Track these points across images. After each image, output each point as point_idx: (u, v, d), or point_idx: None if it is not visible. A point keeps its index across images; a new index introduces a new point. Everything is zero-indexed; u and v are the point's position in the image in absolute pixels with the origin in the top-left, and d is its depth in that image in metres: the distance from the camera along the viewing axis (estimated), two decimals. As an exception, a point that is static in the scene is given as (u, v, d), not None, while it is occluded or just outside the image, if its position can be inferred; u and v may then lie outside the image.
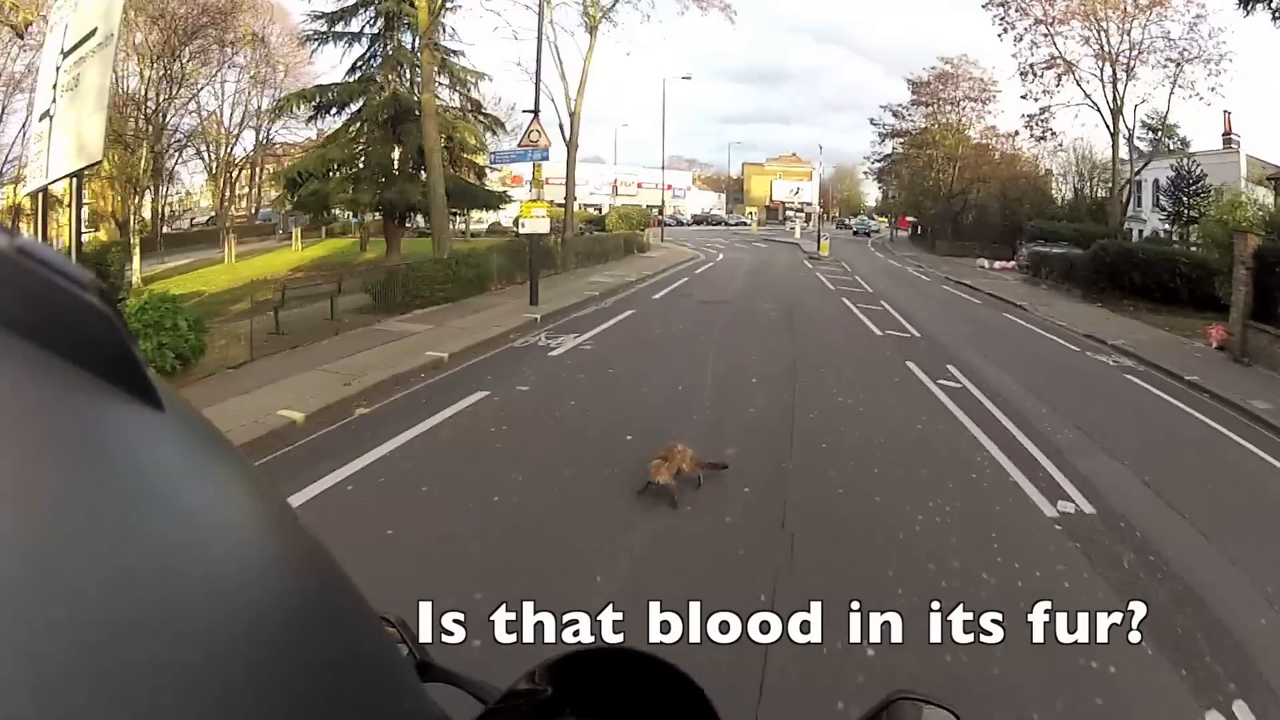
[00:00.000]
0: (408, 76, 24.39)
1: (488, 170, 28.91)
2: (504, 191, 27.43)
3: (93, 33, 10.14)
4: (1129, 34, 33.64)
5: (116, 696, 0.25)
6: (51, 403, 0.32)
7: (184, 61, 26.12)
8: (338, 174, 24.45)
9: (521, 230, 17.94)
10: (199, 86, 27.83)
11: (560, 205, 27.40)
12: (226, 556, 0.34)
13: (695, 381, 10.43)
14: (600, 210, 54.74)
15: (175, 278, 25.02)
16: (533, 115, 17.84)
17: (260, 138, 33.53)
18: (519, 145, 18.80)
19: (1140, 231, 34.57)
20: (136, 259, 24.60)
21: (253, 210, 38.15)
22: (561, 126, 26.83)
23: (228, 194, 33.91)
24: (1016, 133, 42.39)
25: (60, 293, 0.33)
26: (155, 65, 25.03)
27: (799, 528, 5.81)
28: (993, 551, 5.52)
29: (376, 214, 26.87)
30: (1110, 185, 36.77)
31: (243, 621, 0.32)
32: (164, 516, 0.32)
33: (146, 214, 30.29)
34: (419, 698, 0.52)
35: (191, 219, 36.16)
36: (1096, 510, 6.51)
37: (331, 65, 26.18)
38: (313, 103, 25.92)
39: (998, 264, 32.83)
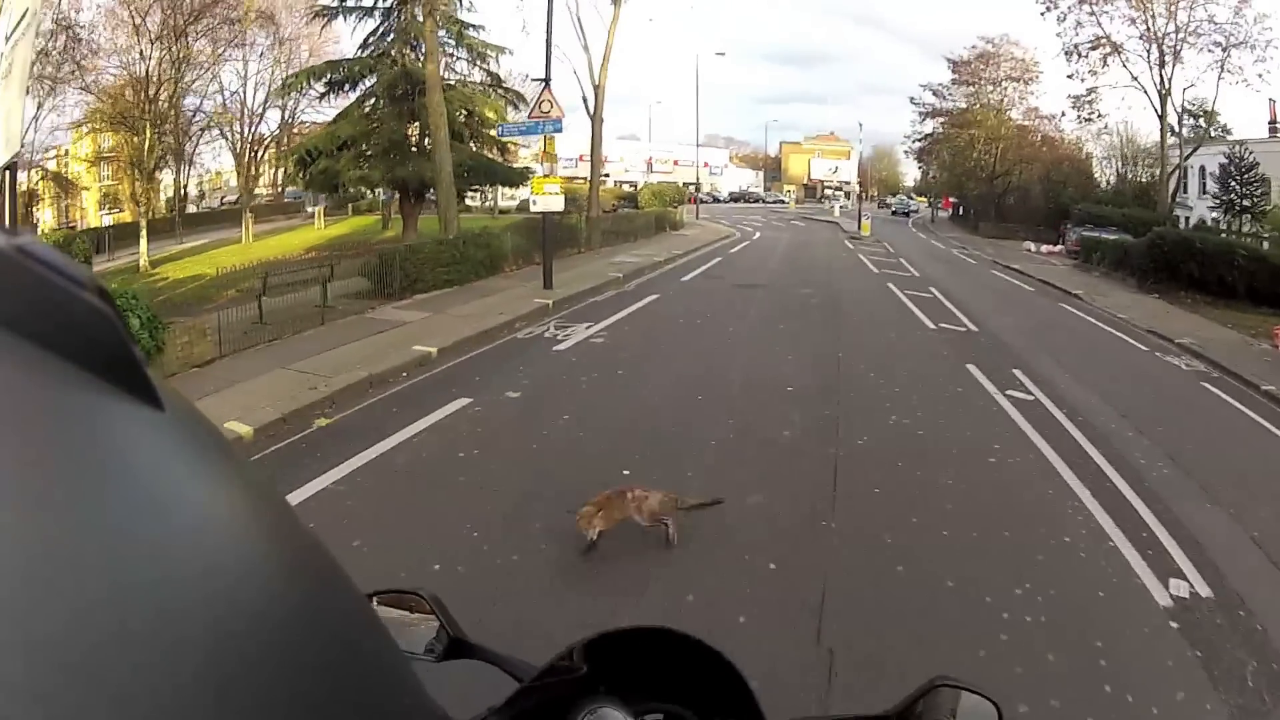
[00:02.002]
0: (422, 50, 23.02)
1: (519, 147, 27.76)
2: (526, 168, 26.03)
3: (25, 15, 9.24)
4: (1174, 16, 33.16)
5: (116, 697, 0.26)
6: (51, 403, 0.32)
7: (189, 41, 25.15)
8: (349, 151, 23.20)
9: (533, 208, 16.46)
10: (208, 67, 26.93)
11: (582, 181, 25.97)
12: (226, 556, 0.34)
13: (719, 390, 8.84)
14: (635, 187, 54.17)
15: (187, 259, 24.47)
16: (543, 84, 16.28)
17: (285, 117, 32.66)
18: (529, 116, 17.31)
19: (1186, 219, 33.76)
20: (144, 242, 24.29)
21: (279, 189, 37.91)
22: (585, 100, 25.38)
23: (252, 173, 33.08)
24: (1063, 114, 43.01)
25: (60, 293, 0.33)
26: (156, 45, 24.05)
27: (841, 639, 4.08)
28: (1100, 675, 3.89)
29: (394, 192, 25.87)
30: (1157, 170, 36.33)
31: (242, 622, 0.32)
32: (163, 516, 0.33)
33: (170, 194, 30.16)
34: (419, 696, 0.51)
35: (221, 198, 36.17)
36: (1212, 592, 4.86)
37: (356, 43, 24.80)
38: (324, 79, 24.77)
39: (1045, 248, 32.08)
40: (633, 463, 6.39)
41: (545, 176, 16.35)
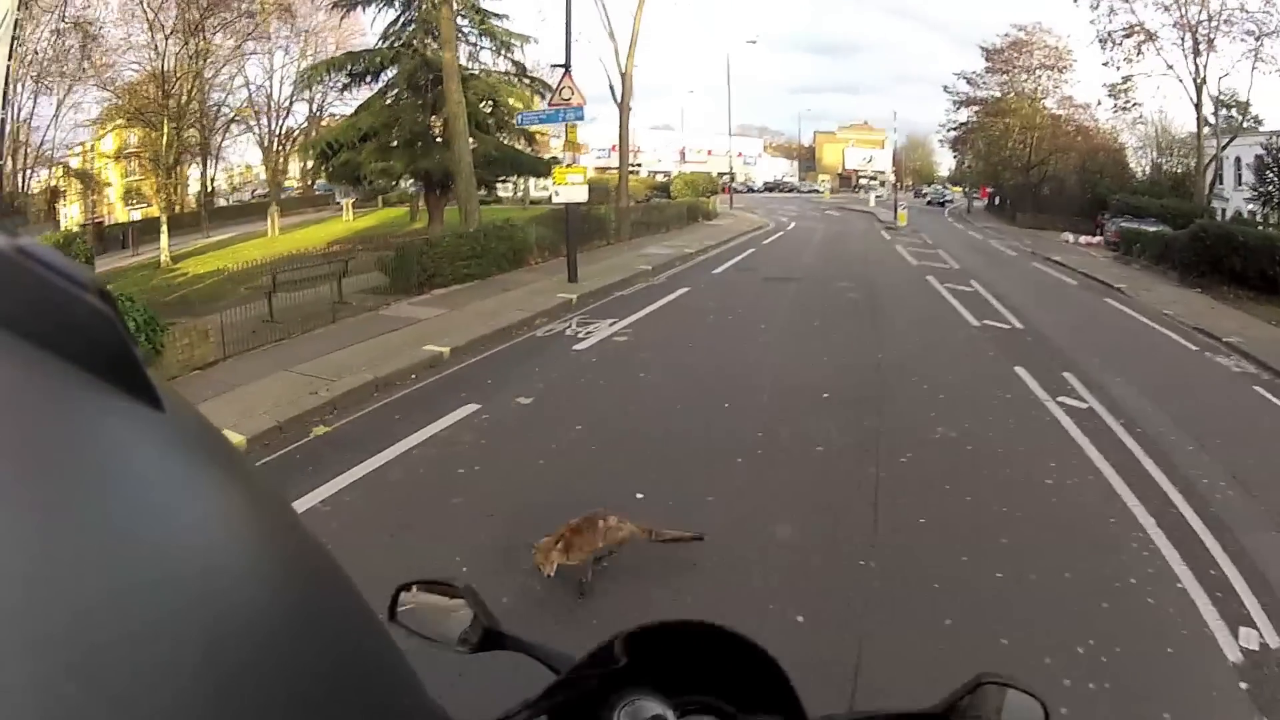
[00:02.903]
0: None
1: (548, 137, 27.25)
2: (554, 158, 25.53)
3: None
4: (1207, 3, 32.78)
5: (116, 697, 0.26)
6: (52, 403, 0.32)
7: (207, 36, 24.85)
8: (371, 143, 22.75)
9: (555, 199, 15.85)
10: (228, 61, 26.67)
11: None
12: (225, 557, 0.34)
13: (748, 396, 8.11)
14: (668, 177, 53.77)
15: (210, 253, 24.25)
16: (563, 71, 15.61)
17: (312, 110, 32.36)
18: (550, 104, 16.69)
19: (1223, 211, 33.09)
20: (165, 237, 24.05)
21: (309, 182, 37.83)
22: (612, 88, 24.75)
23: (280, 167, 32.93)
24: (1098, 102, 42.59)
25: (60, 293, 0.33)
26: (172, 40, 23.84)
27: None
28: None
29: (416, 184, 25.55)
30: (1193, 161, 36.08)
31: (241, 622, 0.32)
32: (163, 517, 0.33)
33: (197, 189, 30.20)
34: (419, 696, 0.51)
35: (252, 191, 36.13)
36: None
37: (378, 34, 24.40)
38: (345, 71, 24.42)
39: (1083, 239, 30.91)
40: (648, 482, 5.72)
41: (568, 166, 15.66)
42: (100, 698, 0.25)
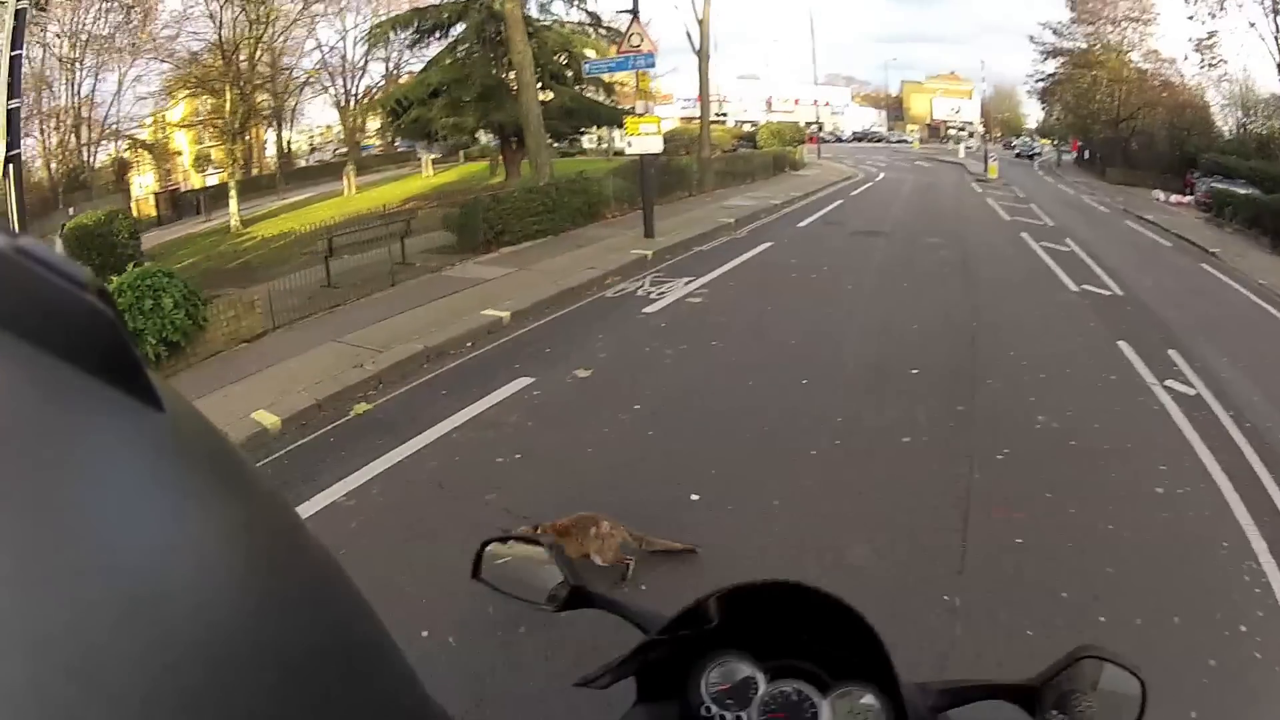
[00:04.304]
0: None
1: (623, 86, 26.48)
2: (631, 108, 24.78)
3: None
4: None
5: (114, 699, 0.26)
6: (50, 404, 0.32)
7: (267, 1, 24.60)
8: (442, 99, 22.16)
9: (629, 150, 14.97)
10: (289, 23, 26.45)
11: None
12: (223, 559, 0.34)
13: (828, 371, 7.24)
14: (755, 126, 52.57)
15: (284, 215, 24.18)
16: (631, 16, 14.72)
17: (389, 69, 32.06)
18: (618, 51, 15.78)
19: None
20: (234, 202, 24.02)
21: (391, 140, 37.80)
22: (690, 36, 23.94)
23: (358, 124, 32.84)
24: (1185, 57, 40.03)
25: (59, 293, 0.32)
26: (227, 7, 23.65)
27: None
28: None
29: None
30: (1276, 123, 34.51)
31: (239, 624, 0.32)
32: (162, 518, 0.32)
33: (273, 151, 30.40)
34: (419, 697, 0.50)
35: (334, 150, 36.18)
36: None
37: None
38: (412, 27, 23.89)
39: (1174, 198, 29.56)
40: (706, 480, 4.96)
41: (640, 115, 14.75)
42: (100, 699, 0.24)
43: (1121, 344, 8.50)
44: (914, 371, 7.20)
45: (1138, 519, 4.72)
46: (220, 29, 23.64)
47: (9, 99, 13.75)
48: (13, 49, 14.00)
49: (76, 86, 22.48)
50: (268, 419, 6.57)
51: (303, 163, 33.52)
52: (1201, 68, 38.40)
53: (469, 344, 8.47)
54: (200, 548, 0.32)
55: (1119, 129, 42.67)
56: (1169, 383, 7.34)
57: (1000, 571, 4.11)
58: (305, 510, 4.87)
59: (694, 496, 4.69)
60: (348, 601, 0.42)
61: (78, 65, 22.07)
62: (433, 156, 33.78)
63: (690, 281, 11.05)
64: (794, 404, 6.40)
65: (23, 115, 16.88)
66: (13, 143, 13.50)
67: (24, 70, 18.40)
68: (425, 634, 3.58)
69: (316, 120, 34.43)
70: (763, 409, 6.28)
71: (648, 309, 9.68)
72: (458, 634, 3.59)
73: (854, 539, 4.31)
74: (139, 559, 0.29)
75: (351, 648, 0.40)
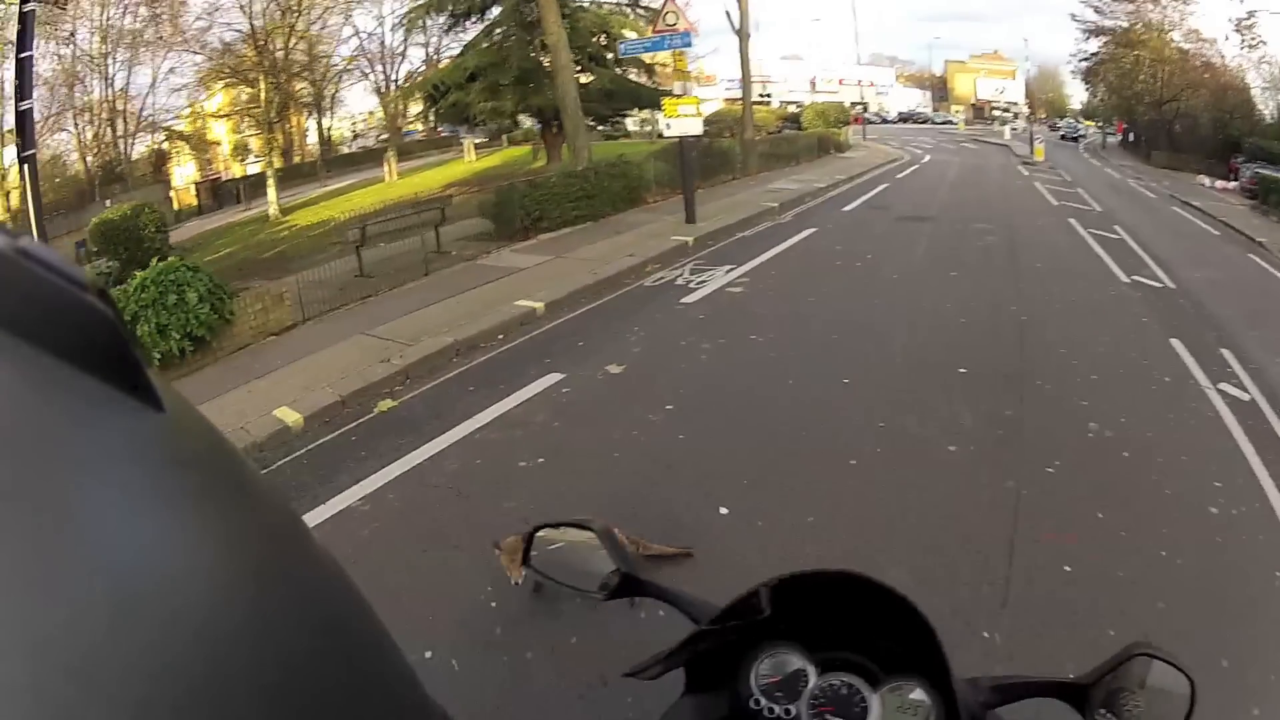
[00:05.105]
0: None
1: (663, 67, 26.13)
2: (670, 89, 24.46)
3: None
4: None
5: (114, 699, 0.26)
6: (49, 404, 0.32)
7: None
8: (479, 82, 21.94)
9: (667, 132, 14.61)
10: (324, 11, 26.58)
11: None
12: (223, 561, 0.33)
13: (871, 368, 6.88)
14: (799, 107, 51.90)
15: (324, 203, 24.23)
16: (666, -7, 14.33)
17: (428, 54, 32.01)
18: (654, 30, 15.39)
19: None
20: (272, 191, 24.17)
21: (433, 125, 37.79)
22: (729, 15, 23.38)
23: (399, 110, 32.84)
24: (1226, 38, 39.87)
25: (59, 293, 0.32)
26: None
27: None
28: None
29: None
30: None
31: (238, 626, 0.32)
32: (161, 519, 0.32)
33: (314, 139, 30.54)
34: (419, 697, 0.49)
35: (376, 136, 36.24)
36: None
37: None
38: (446, 11, 23.73)
39: (1218, 183, 28.97)
40: (738, 490, 4.65)
41: (679, 97, 14.36)
42: (99, 700, 0.24)
43: (1175, 342, 8.01)
44: (962, 371, 6.80)
45: (1192, 545, 4.30)
46: (251, 19, 23.69)
47: (19, 101, 13.79)
48: (21, 51, 14.03)
49: (110, 80, 22.70)
50: (290, 416, 6.40)
51: (345, 149, 33.57)
52: (1242, 49, 37.85)
53: (500, 336, 8.23)
54: (200, 548, 0.32)
55: (1162, 111, 41.88)
56: (1223, 386, 6.87)
57: (1046, 605, 3.72)
58: (319, 515, 4.70)
59: (723, 510, 4.40)
60: (348, 601, 0.41)
61: (111, 59, 22.30)
62: (475, 141, 33.65)
63: (731, 270, 10.69)
64: (835, 407, 6.06)
65: (55, 111, 17.06)
66: (26, 144, 13.56)
67: (54, 66, 18.56)
68: (428, 654, 3.35)
69: (358, 107, 34.52)
70: (801, 412, 5.96)
71: (686, 299, 9.35)
72: (466, 656, 3.37)
73: (891, 562, 3.94)
74: (138, 559, 0.29)
75: (351, 648, 0.39)
